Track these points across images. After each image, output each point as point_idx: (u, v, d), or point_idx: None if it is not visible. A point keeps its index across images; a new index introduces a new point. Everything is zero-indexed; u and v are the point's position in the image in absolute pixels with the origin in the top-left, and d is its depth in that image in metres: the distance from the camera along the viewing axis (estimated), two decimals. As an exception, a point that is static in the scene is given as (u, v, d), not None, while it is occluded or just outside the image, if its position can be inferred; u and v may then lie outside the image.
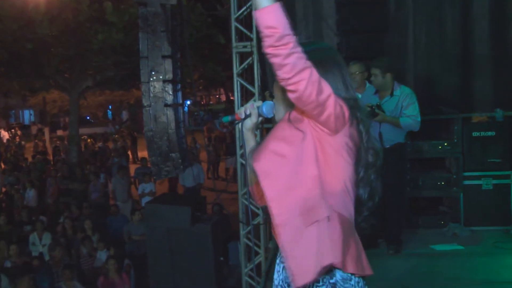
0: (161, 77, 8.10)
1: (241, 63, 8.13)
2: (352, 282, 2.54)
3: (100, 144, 25.71)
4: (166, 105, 8.24)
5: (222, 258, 9.55)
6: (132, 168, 19.18)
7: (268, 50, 2.31)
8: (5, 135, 35.11)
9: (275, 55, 2.30)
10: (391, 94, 6.48)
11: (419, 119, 6.41)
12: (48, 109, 34.97)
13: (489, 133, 7.50)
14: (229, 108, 39.01)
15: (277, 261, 2.74)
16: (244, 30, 8.03)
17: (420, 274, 6.17)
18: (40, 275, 9.69)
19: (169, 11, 8.23)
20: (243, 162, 2.79)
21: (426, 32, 8.02)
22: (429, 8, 7.99)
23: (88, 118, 44.47)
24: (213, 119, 38.00)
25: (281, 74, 2.31)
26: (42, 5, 15.52)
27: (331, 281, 2.52)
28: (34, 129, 38.61)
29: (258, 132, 7.41)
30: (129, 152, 24.81)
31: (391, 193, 6.41)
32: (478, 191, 7.52)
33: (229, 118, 2.88)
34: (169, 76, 8.15)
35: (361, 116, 2.60)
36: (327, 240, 2.46)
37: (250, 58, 8.03)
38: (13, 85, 21.27)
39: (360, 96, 6.79)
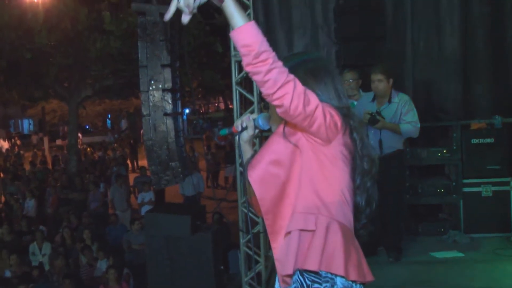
0: (160, 86, 8.11)
1: (239, 71, 8.13)
2: None
3: (99, 153, 25.70)
4: (166, 114, 8.25)
5: (222, 267, 9.53)
6: (132, 177, 19.18)
7: (247, 69, 2.32)
8: (4, 144, 35.10)
9: (255, 73, 2.31)
10: (389, 101, 6.49)
11: (418, 125, 6.43)
12: (47, 118, 35.00)
13: (488, 140, 7.52)
14: (228, 116, 39.05)
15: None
16: (243, 39, 8.02)
17: (420, 282, 6.16)
18: (40, 285, 9.67)
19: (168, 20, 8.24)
20: (243, 170, 2.81)
21: (424, 39, 8.03)
22: (427, 15, 8.00)
23: (87, 127, 44.50)
24: (212, 128, 38.11)
25: (264, 90, 2.33)
26: (40, 15, 15.54)
27: None
28: (34, 139, 38.55)
29: (257, 140, 7.41)
30: (128, 161, 24.80)
31: (390, 200, 6.42)
32: (477, 198, 7.52)
33: (226, 131, 2.91)
34: (168, 85, 8.16)
35: (355, 124, 2.62)
36: (329, 249, 2.48)
37: (249, 67, 8.02)
38: (12, 94, 21.25)
39: (355, 103, 6.83)
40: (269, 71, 2.29)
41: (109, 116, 44.34)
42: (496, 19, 7.90)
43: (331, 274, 2.49)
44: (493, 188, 7.50)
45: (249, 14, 7.90)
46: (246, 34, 2.33)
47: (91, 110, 33.82)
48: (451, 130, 7.62)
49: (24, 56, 15.76)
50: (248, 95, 7.94)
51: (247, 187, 2.71)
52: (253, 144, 2.96)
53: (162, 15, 8.10)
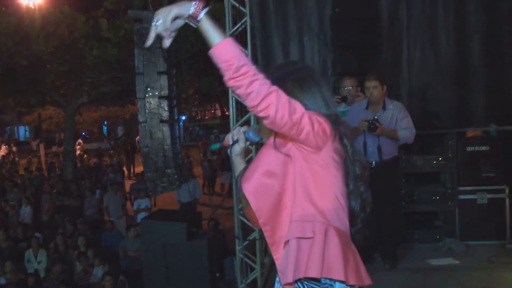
0: (156, 93, 8.12)
1: (236, 78, 8.14)
2: None
3: (95, 160, 25.65)
4: (162, 121, 8.27)
5: (218, 274, 9.53)
6: (128, 183, 19.16)
7: (229, 83, 2.37)
8: (0, 151, 34.99)
9: (237, 87, 2.36)
10: (384, 108, 6.52)
11: (414, 131, 6.46)
12: (43, 125, 34.95)
13: (484, 148, 7.54)
14: (224, 123, 39.04)
15: (277, 279, 2.76)
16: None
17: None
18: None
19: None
20: (236, 183, 2.84)
21: (420, 47, 8.05)
22: (422, 23, 8.03)
23: (83, 134, 44.41)
24: (209, 135, 38.11)
25: (248, 103, 2.38)
26: (37, 22, 15.56)
27: None
28: (34, 145, 38.26)
29: (253, 147, 7.42)
30: (125, 168, 24.76)
31: (386, 207, 6.44)
32: (473, 205, 7.54)
33: (217, 145, 2.98)
34: (165, 92, 8.17)
35: (344, 130, 2.67)
36: (329, 256, 2.51)
37: (245, 74, 8.04)
38: (8, 101, 21.27)
39: (348, 108, 6.86)
40: (250, 83, 2.33)
41: (105, 123, 44.32)
42: (491, 27, 7.93)
43: (330, 280, 2.51)
44: (489, 196, 7.51)
45: (245, 22, 7.94)
46: (224, 50, 2.37)
47: (88, 116, 33.78)
48: (447, 138, 7.64)
49: (20, 63, 15.76)
50: (244, 103, 7.95)
51: (241, 200, 2.74)
52: (250, 152, 3.00)
53: (159, 22, 8.11)
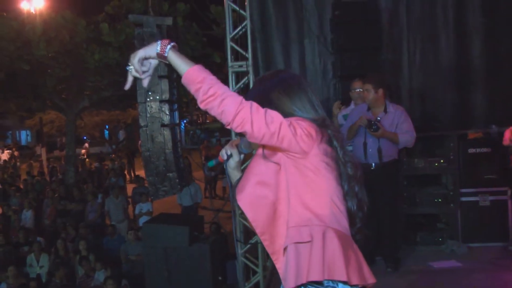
0: (157, 97, 8.13)
1: (237, 82, 8.16)
2: None
3: (96, 164, 25.66)
4: (163, 125, 8.27)
5: (220, 278, 9.52)
6: (130, 187, 19.15)
7: (201, 106, 2.46)
8: (2, 156, 35.00)
9: (210, 108, 2.45)
10: (385, 111, 6.51)
11: (414, 134, 6.47)
12: (45, 129, 34.97)
13: (485, 150, 7.54)
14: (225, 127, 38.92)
15: (281, 287, 2.77)
16: (240, 50, 8.06)
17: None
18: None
19: (165, 32, 8.28)
20: (231, 196, 2.90)
21: (420, 50, 8.06)
22: (422, 26, 8.04)
23: (85, 138, 44.44)
24: (210, 138, 38.09)
25: (224, 120, 2.45)
26: (39, 26, 15.60)
27: None
28: (38, 149, 38.04)
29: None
30: (126, 172, 24.78)
31: (387, 209, 6.43)
32: (475, 207, 7.53)
33: (213, 162, 3.01)
34: (166, 96, 8.18)
35: (333, 133, 2.70)
36: (329, 257, 2.52)
37: (246, 78, 8.06)
38: (10, 106, 21.29)
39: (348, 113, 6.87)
40: (220, 103, 2.41)
41: (107, 127, 44.32)
42: (491, 29, 7.94)
43: (333, 281, 2.52)
44: (491, 198, 7.51)
45: (246, 25, 7.94)
46: (191, 77, 2.48)
47: (89, 121, 33.82)
48: (448, 140, 7.63)
49: (22, 68, 15.79)
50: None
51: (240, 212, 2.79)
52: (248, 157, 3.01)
53: (159, 26, 8.14)
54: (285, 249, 2.63)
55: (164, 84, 8.16)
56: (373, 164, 6.43)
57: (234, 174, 2.95)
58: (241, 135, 2.56)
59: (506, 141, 6.84)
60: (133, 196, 16.16)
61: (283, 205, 2.65)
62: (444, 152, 7.71)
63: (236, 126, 2.43)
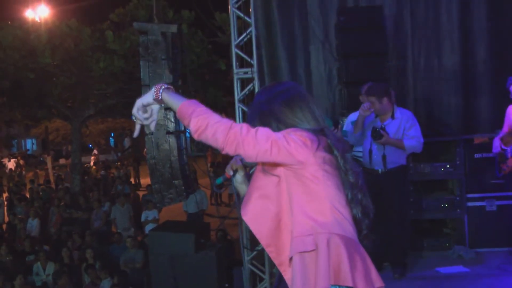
0: (163, 104, 8.12)
1: (242, 89, 8.18)
2: None
3: (102, 171, 25.70)
4: (168, 133, 8.27)
5: (227, 285, 9.50)
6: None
7: (195, 137, 2.60)
8: (9, 164, 35.03)
9: (203, 138, 2.58)
10: (392, 117, 6.50)
11: (422, 140, 6.45)
12: (50, 137, 35.02)
13: (491, 154, 7.49)
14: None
15: None
16: (245, 57, 8.08)
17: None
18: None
19: (169, 39, 8.29)
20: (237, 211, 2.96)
21: (425, 54, 8.05)
22: (427, 31, 8.04)
23: (90, 146, 44.51)
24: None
25: (218, 147, 2.57)
26: (43, 35, 15.66)
27: None
28: (46, 158, 37.67)
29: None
30: (132, 179, 24.81)
31: (395, 216, 6.41)
32: (482, 212, 7.51)
33: (221, 179, 3.09)
34: (171, 103, 8.17)
35: (333, 142, 2.73)
36: (335, 264, 2.53)
37: (251, 84, 8.07)
38: (15, 114, 21.34)
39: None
40: (211, 131, 2.54)
41: (112, 134, 44.38)
42: (496, 33, 7.92)
43: (340, 287, 2.52)
44: (497, 203, 7.48)
45: (251, 32, 7.95)
46: (182, 111, 2.64)
47: (94, 128, 33.85)
48: (454, 145, 7.61)
49: (27, 76, 15.83)
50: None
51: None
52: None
53: (164, 34, 8.15)
54: (290, 259, 2.65)
55: (169, 92, 8.16)
56: (379, 170, 6.42)
57: (242, 188, 3.02)
58: None
59: (497, 148, 6.78)
60: (143, 204, 16.16)
61: (286, 216, 2.69)
62: (450, 157, 7.69)
63: (229, 151, 2.54)
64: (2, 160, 36.46)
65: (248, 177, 3.02)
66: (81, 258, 11.83)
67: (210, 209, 15.48)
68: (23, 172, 31.78)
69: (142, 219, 14.17)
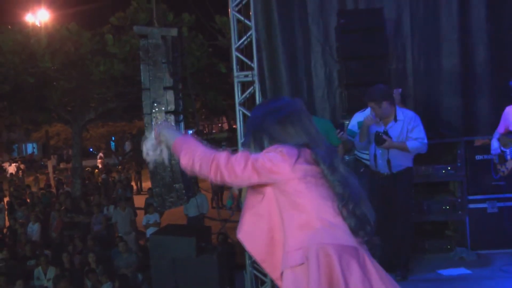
0: (163, 108, 8.12)
1: (242, 92, 8.17)
2: None
3: (103, 175, 25.69)
4: (169, 136, 8.25)
5: (228, 288, 9.49)
6: (136, 199, 19.16)
7: (188, 172, 2.90)
8: (10, 169, 35.06)
9: (195, 172, 2.85)
10: (395, 119, 6.48)
11: (426, 141, 6.43)
12: (51, 142, 35.02)
13: (492, 156, 7.48)
14: (232, 136, 38.97)
15: None
16: (245, 60, 8.08)
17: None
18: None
19: (169, 43, 8.28)
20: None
21: (424, 56, 8.05)
22: (426, 33, 8.04)
23: (91, 150, 44.52)
24: (217, 148, 38.04)
25: (207, 177, 2.82)
26: (43, 39, 15.66)
27: None
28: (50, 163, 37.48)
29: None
30: (133, 183, 24.81)
31: (398, 218, 6.40)
32: (483, 214, 7.49)
33: (231, 201, 3.29)
34: (171, 107, 8.17)
35: (320, 154, 2.82)
36: (326, 274, 2.57)
37: (252, 87, 8.07)
38: (15, 119, 21.34)
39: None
40: (199, 167, 2.82)
41: (113, 138, 44.39)
42: (495, 35, 7.92)
43: None
44: (499, 204, 7.47)
45: (251, 35, 7.95)
46: (175, 149, 2.97)
47: (95, 132, 33.86)
48: (455, 146, 7.60)
49: (27, 81, 15.83)
50: (251, 116, 7.95)
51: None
52: None
53: (164, 37, 8.14)
54: (281, 274, 2.74)
55: (170, 95, 8.16)
56: (385, 173, 6.42)
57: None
58: None
59: (496, 149, 6.76)
60: (146, 207, 16.15)
61: (278, 232, 2.79)
62: (451, 159, 7.68)
63: (215, 180, 2.79)
64: (3, 165, 36.49)
65: None
66: (82, 263, 11.81)
67: (211, 213, 15.47)
68: (24, 175, 31.81)
69: (144, 222, 14.17)
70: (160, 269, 8.91)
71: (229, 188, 19.87)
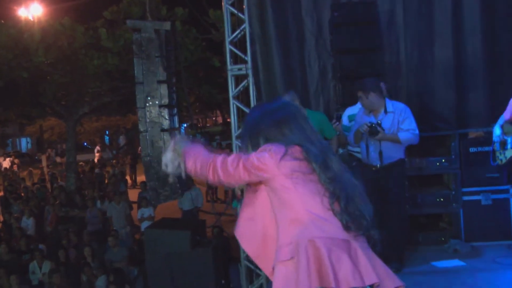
0: (157, 102, 8.13)
1: (236, 85, 8.16)
2: None
3: (97, 170, 25.64)
4: (163, 130, 8.26)
5: (223, 281, 9.50)
6: (131, 193, 19.13)
7: (194, 176, 3.10)
8: (4, 163, 34.97)
9: (199, 176, 3.03)
10: (385, 111, 6.49)
11: (417, 132, 6.43)
12: (46, 136, 34.96)
13: (487, 148, 7.49)
14: (226, 130, 38.98)
15: None
16: (239, 53, 8.07)
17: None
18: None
19: (163, 36, 8.28)
20: None
21: (418, 49, 8.03)
22: (419, 26, 8.02)
23: (85, 144, 44.45)
24: (210, 142, 38.07)
25: (207, 179, 2.99)
26: (37, 33, 15.60)
27: None
28: (44, 157, 37.47)
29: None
30: (128, 177, 24.77)
31: (392, 210, 6.40)
32: (477, 206, 7.50)
33: (236, 202, 3.45)
34: (165, 101, 8.18)
35: (313, 153, 2.88)
36: (316, 267, 2.62)
37: (246, 81, 8.06)
38: (9, 114, 21.29)
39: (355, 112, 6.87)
40: (200, 172, 2.99)
41: (107, 132, 44.35)
42: (489, 27, 7.92)
43: None
44: (493, 196, 7.48)
45: (244, 29, 7.94)
46: (183, 156, 3.09)
47: (89, 126, 33.84)
48: (449, 139, 7.61)
49: (21, 75, 15.78)
50: (246, 109, 7.96)
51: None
52: None
53: (157, 31, 8.14)
54: (273, 269, 2.82)
55: (163, 89, 8.16)
56: (378, 165, 6.42)
57: None
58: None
59: (499, 136, 6.75)
60: (139, 201, 16.14)
61: (271, 229, 2.90)
62: (445, 151, 7.70)
63: (214, 180, 2.94)
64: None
65: None
66: (78, 257, 11.81)
67: (206, 206, 15.46)
68: (19, 169, 31.72)
69: (138, 216, 14.17)
70: (155, 263, 8.92)
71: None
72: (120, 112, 22.84)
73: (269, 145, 2.89)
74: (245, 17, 7.97)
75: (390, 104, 6.52)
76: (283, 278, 2.69)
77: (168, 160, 3.20)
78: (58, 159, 41.25)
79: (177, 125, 8.76)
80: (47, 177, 26.51)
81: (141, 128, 8.37)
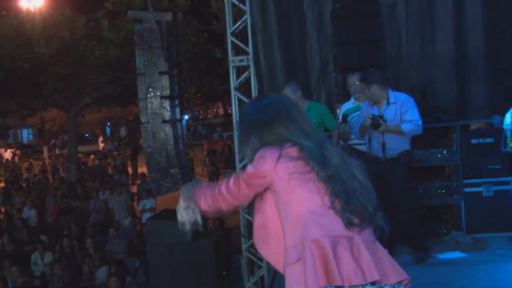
0: (158, 93, 8.12)
1: (238, 77, 8.16)
2: None
3: (97, 161, 25.63)
4: (164, 121, 8.26)
5: (225, 272, 9.52)
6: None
7: (210, 213, 3.09)
8: (5, 155, 34.97)
9: (214, 211, 3.05)
10: (388, 103, 6.48)
11: (420, 122, 6.41)
12: (47, 127, 34.94)
13: (488, 140, 7.49)
14: (227, 121, 38.96)
15: None
16: (240, 44, 8.06)
17: (423, 284, 6.14)
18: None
19: (164, 27, 8.26)
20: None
21: (419, 41, 8.03)
22: (421, 18, 8.01)
23: (86, 135, 44.47)
24: (212, 133, 38.09)
25: (223, 208, 3.01)
26: (38, 24, 15.59)
27: None
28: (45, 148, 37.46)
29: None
30: (130, 169, 24.77)
31: (401, 201, 6.39)
32: (479, 198, 7.49)
33: None
34: (166, 92, 8.17)
35: (311, 151, 2.84)
36: (322, 266, 2.60)
37: (247, 72, 8.05)
38: (11, 104, 21.29)
39: (358, 104, 6.87)
40: (213, 206, 3.01)
41: (108, 124, 44.32)
42: (490, 19, 7.90)
43: (331, 287, 2.57)
44: (494, 188, 7.48)
45: (246, 20, 7.93)
46: (195, 202, 3.14)
47: (90, 118, 33.81)
48: (451, 130, 7.60)
49: (22, 66, 15.77)
50: (247, 100, 7.95)
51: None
52: None
53: (158, 22, 8.12)
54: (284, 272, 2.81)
55: (165, 80, 8.15)
56: (382, 157, 6.42)
57: None
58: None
59: (508, 125, 6.77)
60: (138, 193, 16.17)
61: (280, 233, 2.86)
62: (447, 143, 7.69)
63: (228, 208, 2.99)
64: (-1, 151, 36.41)
65: None
66: (79, 248, 11.83)
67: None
68: (21, 160, 31.75)
69: (139, 208, 14.19)
70: (157, 254, 8.94)
71: (224, 173, 19.86)
72: (121, 103, 22.82)
73: (263, 150, 2.87)
74: (246, 8, 7.95)
75: (393, 95, 6.50)
76: (294, 281, 2.68)
77: (183, 212, 3.22)
78: (56, 151, 41.30)
79: (178, 117, 8.75)
80: (48, 168, 26.52)
81: (143, 119, 8.37)
